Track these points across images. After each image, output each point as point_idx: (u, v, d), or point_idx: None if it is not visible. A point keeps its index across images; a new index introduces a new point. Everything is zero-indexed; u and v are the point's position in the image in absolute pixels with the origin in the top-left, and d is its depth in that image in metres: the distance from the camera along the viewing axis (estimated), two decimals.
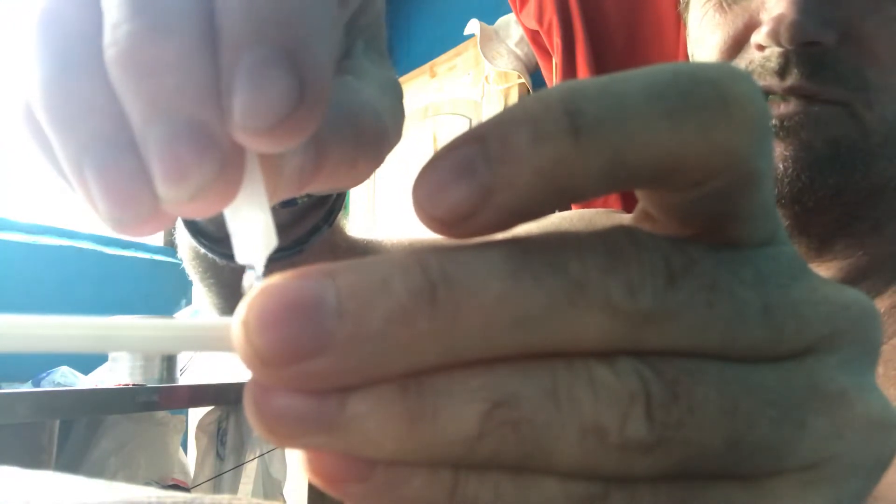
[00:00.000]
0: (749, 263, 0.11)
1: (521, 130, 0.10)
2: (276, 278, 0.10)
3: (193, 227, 0.32)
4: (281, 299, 0.10)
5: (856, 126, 0.35)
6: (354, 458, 0.10)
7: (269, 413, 0.10)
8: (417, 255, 0.10)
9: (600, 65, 1.17)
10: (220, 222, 0.31)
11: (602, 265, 0.10)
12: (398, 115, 0.19)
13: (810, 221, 0.39)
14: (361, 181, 0.20)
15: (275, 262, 0.33)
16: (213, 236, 0.32)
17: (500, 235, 0.11)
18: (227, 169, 0.13)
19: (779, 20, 0.35)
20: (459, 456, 0.10)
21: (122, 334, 0.12)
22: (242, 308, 0.10)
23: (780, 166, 0.36)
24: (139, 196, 0.14)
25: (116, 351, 0.13)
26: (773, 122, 0.36)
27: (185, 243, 0.36)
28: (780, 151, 0.36)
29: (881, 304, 0.38)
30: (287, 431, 0.10)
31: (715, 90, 0.10)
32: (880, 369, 0.35)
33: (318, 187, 0.18)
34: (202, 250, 0.32)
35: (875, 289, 0.38)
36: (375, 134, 0.17)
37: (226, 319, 0.11)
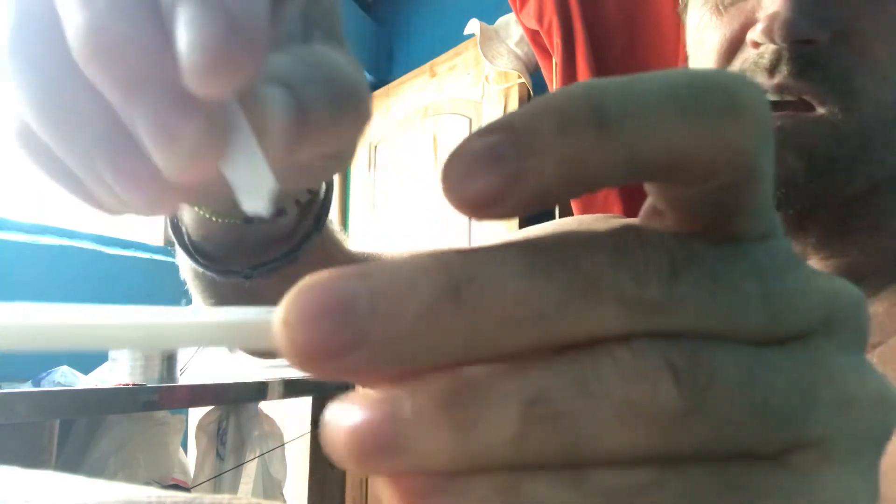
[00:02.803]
0: (748, 256, 0.12)
1: (549, 122, 0.10)
2: (314, 278, 0.11)
3: (190, 247, 0.33)
4: (319, 299, 0.10)
5: (829, 132, 0.35)
6: (424, 474, 0.11)
7: (347, 447, 0.11)
8: (442, 256, 0.11)
9: (600, 65, 1.17)
10: (216, 240, 0.32)
11: (611, 261, 0.11)
12: (364, 87, 0.21)
13: (806, 222, 0.39)
14: (351, 145, 0.22)
15: (269, 273, 0.33)
16: (211, 255, 0.33)
17: (512, 237, 0.11)
18: (212, 124, 0.15)
19: (773, 18, 0.35)
20: (509, 458, 0.10)
21: (162, 333, 0.12)
22: (283, 306, 0.11)
23: None
24: (153, 172, 0.15)
25: (155, 349, 0.13)
26: None
27: (186, 265, 0.36)
28: None
29: (880, 303, 0.38)
30: (360, 459, 0.11)
31: (727, 94, 0.11)
32: (880, 368, 0.35)
33: (311, 148, 0.19)
34: (200, 269, 0.33)
35: (874, 288, 0.39)
36: (351, 89, 0.19)
37: (264, 315, 0.12)
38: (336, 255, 0.42)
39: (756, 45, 0.37)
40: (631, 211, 1.01)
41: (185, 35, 0.14)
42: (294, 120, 0.17)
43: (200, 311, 0.12)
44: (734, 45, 0.39)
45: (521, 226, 1.30)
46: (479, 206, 0.11)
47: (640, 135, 0.10)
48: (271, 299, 0.38)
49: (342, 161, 0.25)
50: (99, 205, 0.18)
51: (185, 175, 0.15)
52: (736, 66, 0.39)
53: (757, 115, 0.11)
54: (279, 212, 0.30)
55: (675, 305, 0.11)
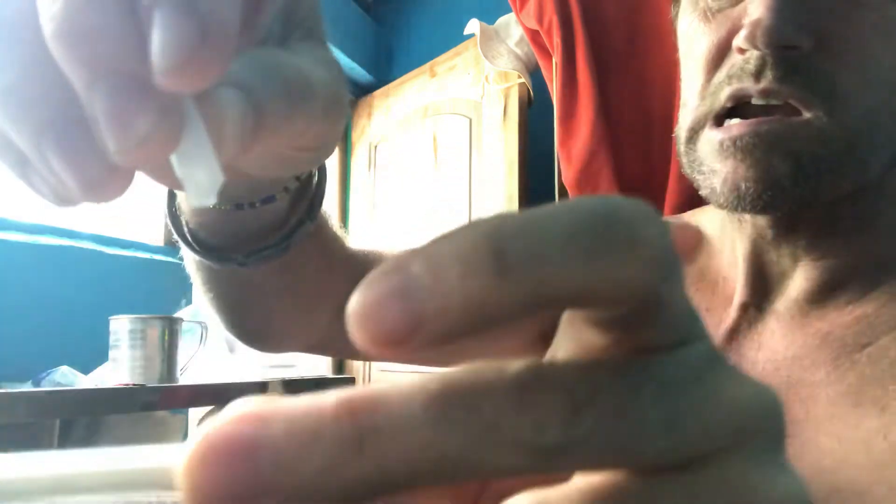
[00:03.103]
0: (655, 376, 0.12)
1: (452, 267, 0.11)
2: (219, 419, 0.11)
3: (188, 235, 0.34)
4: (221, 443, 0.11)
5: (814, 136, 0.36)
6: None
7: None
8: (347, 403, 0.11)
9: (600, 65, 1.17)
10: (212, 228, 0.34)
11: (513, 405, 0.11)
12: (334, 87, 0.22)
13: (795, 224, 0.40)
14: (326, 138, 0.23)
15: (265, 261, 0.34)
16: (208, 243, 0.34)
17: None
18: (167, 115, 0.16)
19: (755, 24, 0.36)
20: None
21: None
22: (186, 451, 0.11)
23: (742, 186, 0.37)
24: (98, 156, 0.16)
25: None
26: (727, 143, 0.37)
27: (188, 256, 0.37)
28: (741, 172, 0.37)
29: (870, 303, 0.38)
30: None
31: (626, 231, 0.11)
32: (867, 370, 0.35)
33: (268, 145, 0.20)
34: (197, 257, 0.34)
35: (862, 288, 0.39)
36: (304, 90, 0.20)
37: (161, 464, 0.13)
38: (334, 249, 0.43)
39: (742, 51, 0.38)
40: None
41: (158, 34, 0.15)
42: (246, 120, 0.18)
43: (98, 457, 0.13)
44: (721, 52, 0.40)
45: None
46: (387, 346, 0.11)
47: (539, 277, 0.11)
48: (268, 287, 0.38)
49: (321, 152, 0.26)
50: (41, 190, 0.19)
51: (133, 161, 0.16)
52: (723, 72, 0.40)
53: (656, 249, 0.11)
54: (267, 198, 0.31)
55: (575, 447, 0.11)
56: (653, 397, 0.12)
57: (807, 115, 0.36)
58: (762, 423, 0.13)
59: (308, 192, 0.34)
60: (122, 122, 0.16)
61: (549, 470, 0.11)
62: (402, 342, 0.11)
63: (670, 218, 0.58)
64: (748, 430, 0.12)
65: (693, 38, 0.42)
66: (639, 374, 0.12)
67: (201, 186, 0.17)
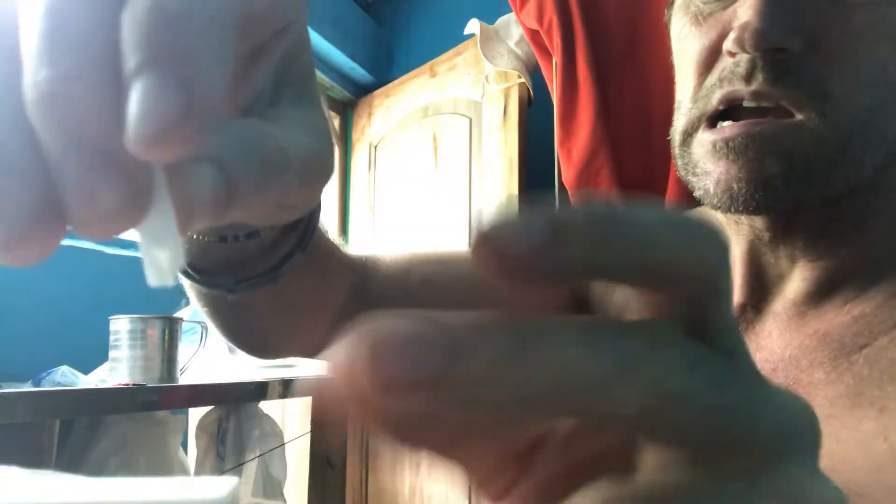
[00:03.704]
0: (736, 369, 0.13)
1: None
2: (389, 318, 0.11)
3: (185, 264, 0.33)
4: (391, 337, 0.11)
5: (807, 137, 0.36)
6: None
7: None
8: (514, 316, 0.12)
9: (600, 65, 1.17)
10: (200, 255, 0.32)
11: (648, 350, 0.12)
12: (318, 154, 0.21)
13: (791, 226, 0.40)
14: (284, 213, 0.23)
15: (253, 289, 0.33)
16: (198, 267, 0.33)
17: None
18: (136, 195, 0.15)
19: (744, 28, 0.36)
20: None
21: None
22: (343, 353, 0.11)
23: (735, 186, 0.37)
24: (30, 216, 0.15)
25: None
26: (719, 144, 0.37)
27: (187, 283, 0.36)
28: (733, 172, 0.37)
29: (868, 303, 0.38)
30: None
31: (704, 228, 0.13)
32: (865, 370, 0.35)
33: (240, 216, 0.19)
34: (186, 280, 0.33)
35: (859, 288, 0.39)
36: (280, 165, 0.19)
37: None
38: (331, 263, 0.43)
39: (732, 54, 0.38)
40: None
41: (138, 101, 0.14)
42: (216, 197, 0.17)
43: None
44: (713, 55, 0.40)
45: None
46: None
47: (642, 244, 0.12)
48: (263, 306, 0.38)
49: (304, 207, 0.25)
50: None
51: (93, 233, 0.15)
52: (715, 75, 0.40)
53: (724, 245, 0.13)
54: (251, 233, 0.30)
55: (686, 399, 0.12)
56: (741, 381, 0.13)
57: (799, 116, 0.36)
58: (808, 431, 0.14)
59: (299, 223, 0.32)
60: (89, 196, 0.15)
61: (658, 416, 0.12)
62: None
63: None
64: (797, 436, 0.14)
65: (685, 41, 0.43)
66: (727, 362, 0.13)
67: (160, 267, 0.16)
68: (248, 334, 0.42)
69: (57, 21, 0.15)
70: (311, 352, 0.47)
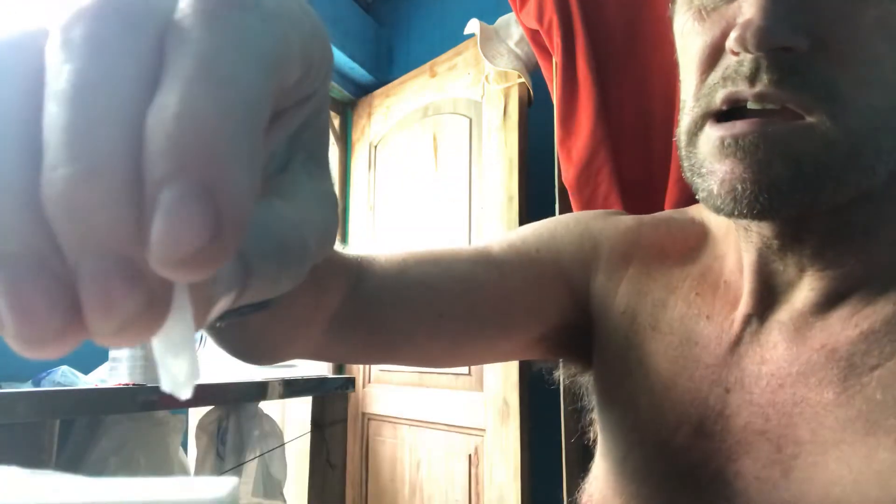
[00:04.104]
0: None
1: None
2: None
3: None
4: None
5: (818, 141, 0.34)
6: None
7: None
8: None
9: (600, 65, 1.17)
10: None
11: None
12: (329, 228, 0.21)
13: (800, 233, 0.39)
14: (292, 285, 0.22)
15: (242, 318, 0.31)
16: None
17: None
18: (154, 304, 0.14)
19: (746, 26, 0.34)
20: None
21: None
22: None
23: (738, 187, 0.35)
24: (49, 317, 0.14)
25: None
26: (728, 141, 0.35)
27: None
28: (738, 172, 0.35)
29: (875, 316, 0.37)
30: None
31: None
32: (878, 395, 0.34)
33: (241, 301, 0.18)
34: None
35: (867, 299, 0.38)
36: (299, 254, 0.19)
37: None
38: (323, 274, 0.42)
39: (735, 52, 0.36)
40: (630, 209, 1.01)
41: (165, 220, 0.13)
42: (237, 287, 0.17)
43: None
44: (716, 52, 0.39)
45: (522, 223, 1.29)
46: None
47: None
48: (254, 325, 0.37)
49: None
50: None
51: (108, 342, 0.15)
52: (718, 72, 0.38)
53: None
54: (261, 305, 0.29)
55: None
56: None
57: (810, 119, 0.34)
58: None
59: None
60: (105, 306, 0.14)
61: None
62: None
63: (675, 212, 0.56)
64: None
65: (688, 37, 0.41)
66: None
67: (177, 380, 0.15)
68: (241, 346, 0.41)
69: (82, 110, 0.14)
70: (309, 355, 0.47)
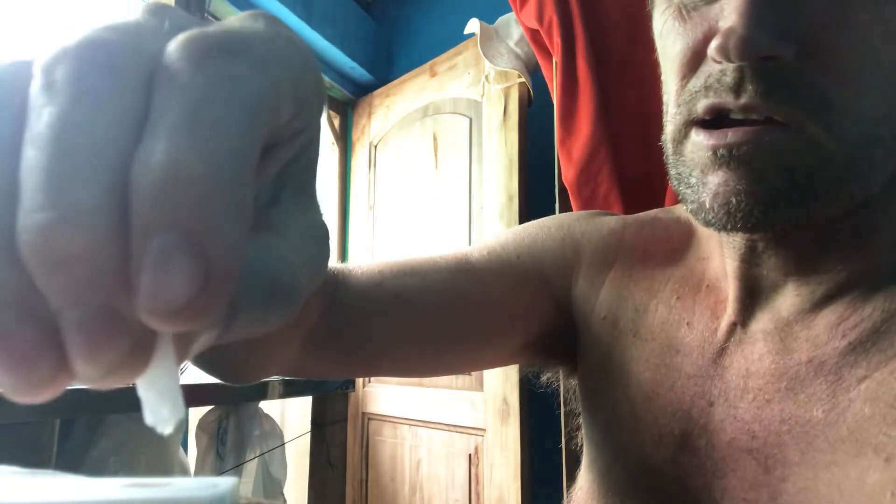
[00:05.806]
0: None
1: None
2: None
3: None
4: None
5: (813, 152, 0.32)
6: None
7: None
8: None
9: (600, 65, 1.17)
10: None
11: None
12: (321, 262, 0.20)
13: (786, 237, 0.38)
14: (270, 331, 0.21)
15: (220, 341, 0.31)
16: None
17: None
18: (137, 350, 0.14)
19: (728, 34, 0.32)
20: None
21: None
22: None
23: (733, 200, 0.33)
24: (38, 365, 0.14)
25: None
26: (722, 151, 0.33)
27: None
28: (732, 184, 0.33)
29: (861, 326, 0.35)
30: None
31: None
32: (866, 409, 0.33)
33: (227, 340, 0.18)
34: None
35: (853, 306, 0.36)
36: (289, 292, 0.18)
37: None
38: None
39: (717, 61, 0.34)
40: (630, 209, 1.01)
41: (153, 273, 0.13)
42: (223, 327, 0.16)
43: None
44: (697, 57, 0.36)
45: (522, 223, 1.29)
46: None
47: None
48: (229, 348, 0.37)
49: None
50: None
51: (95, 385, 0.15)
52: (700, 79, 0.36)
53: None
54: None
55: None
56: None
57: (802, 129, 0.32)
58: None
59: None
60: (90, 353, 0.14)
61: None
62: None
63: (661, 211, 0.55)
64: None
65: (667, 39, 0.39)
66: None
67: (160, 416, 0.15)
68: (219, 367, 0.39)
69: (61, 155, 0.13)
70: (288, 371, 0.46)
